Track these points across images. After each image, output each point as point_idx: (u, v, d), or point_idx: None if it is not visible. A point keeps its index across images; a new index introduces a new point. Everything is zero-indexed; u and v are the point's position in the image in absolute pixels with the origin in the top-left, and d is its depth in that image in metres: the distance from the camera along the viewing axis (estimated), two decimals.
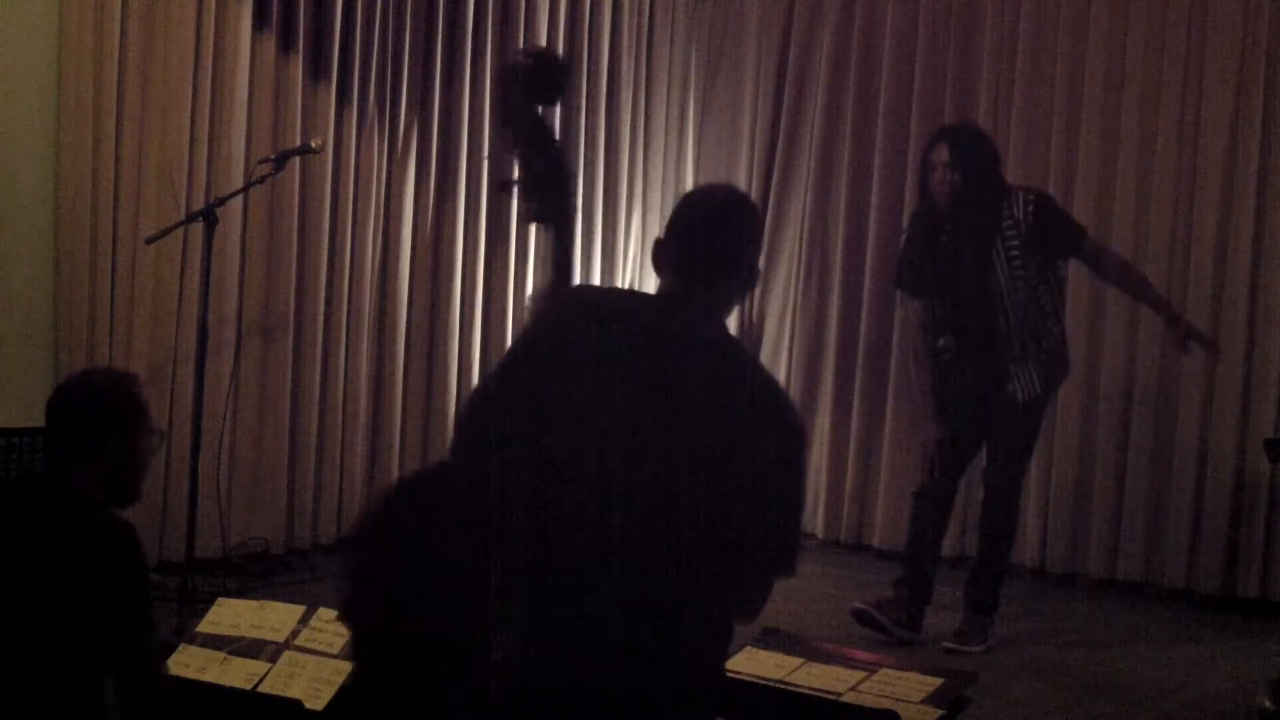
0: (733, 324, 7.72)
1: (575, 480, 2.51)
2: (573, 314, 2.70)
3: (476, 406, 2.76)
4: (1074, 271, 6.53)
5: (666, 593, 2.50)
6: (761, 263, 7.70)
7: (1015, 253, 5.51)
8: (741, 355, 2.75)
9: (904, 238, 5.93)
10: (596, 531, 2.49)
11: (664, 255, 2.77)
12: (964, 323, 5.62)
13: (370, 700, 2.69)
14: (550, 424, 2.53)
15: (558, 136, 3.14)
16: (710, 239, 2.74)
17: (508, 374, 2.68)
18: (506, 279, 7.05)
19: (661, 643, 2.51)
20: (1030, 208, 5.54)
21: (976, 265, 5.53)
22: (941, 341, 5.70)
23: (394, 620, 2.63)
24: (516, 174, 3.07)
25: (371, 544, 2.76)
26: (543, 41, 7.11)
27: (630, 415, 2.52)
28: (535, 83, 3.05)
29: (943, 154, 5.55)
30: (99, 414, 3.14)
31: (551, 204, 3.01)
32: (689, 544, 2.51)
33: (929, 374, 5.72)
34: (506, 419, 2.57)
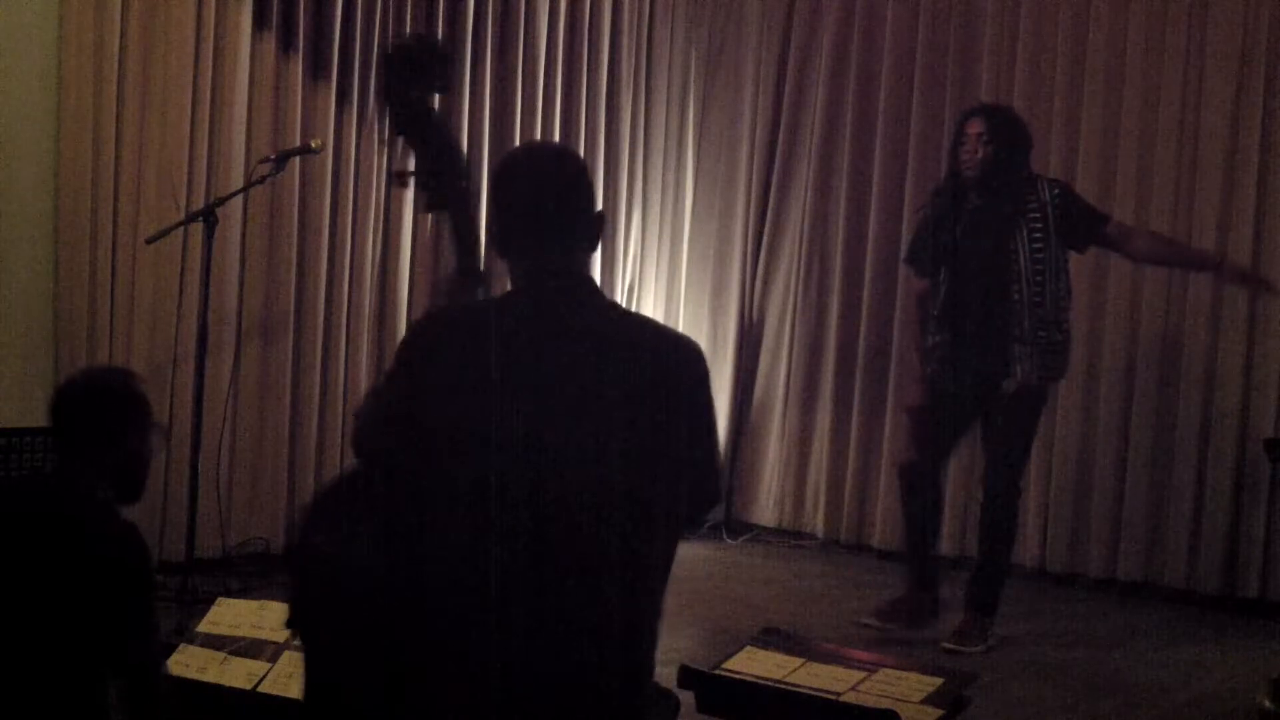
0: (732, 323, 7.73)
1: (492, 482, 2.44)
2: (444, 332, 2.58)
3: (375, 421, 2.64)
4: (1074, 271, 6.54)
5: (601, 575, 2.46)
6: (762, 262, 7.77)
7: (1038, 235, 5.52)
8: (618, 310, 2.66)
9: (922, 214, 5.94)
10: (523, 527, 2.43)
11: (503, 235, 2.60)
12: (973, 300, 5.62)
13: (324, 705, 2.66)
14: (452, 434, 2.45)
15: (444, 122, 3.08)
16: (549, 203, 2.57)
17: (405, 385, 2.56)
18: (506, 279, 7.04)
19: (598, 628, 2.46)
20: (1056, 193, 5.59)
21: (997, 239, 5.55)
22: (938, 338, 5.71)
23: (337, 627, 2.61)
24: (408, 165, 3.00)
25: (305, 551, 2.74)
26: (543, 42, 7.12)
27: (533, 408, 2.45)
28: (416, 69, 3.00)
29: (977, 126, 5.59)
30: (109, 412, 3.14)
31: (445, 191, 2.96)
32: (620, 522, 2.46)
33: (921, 339, 5.76)
34: (408, 433, 2.49)
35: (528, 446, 2.44)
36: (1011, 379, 5.56)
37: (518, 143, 7.02)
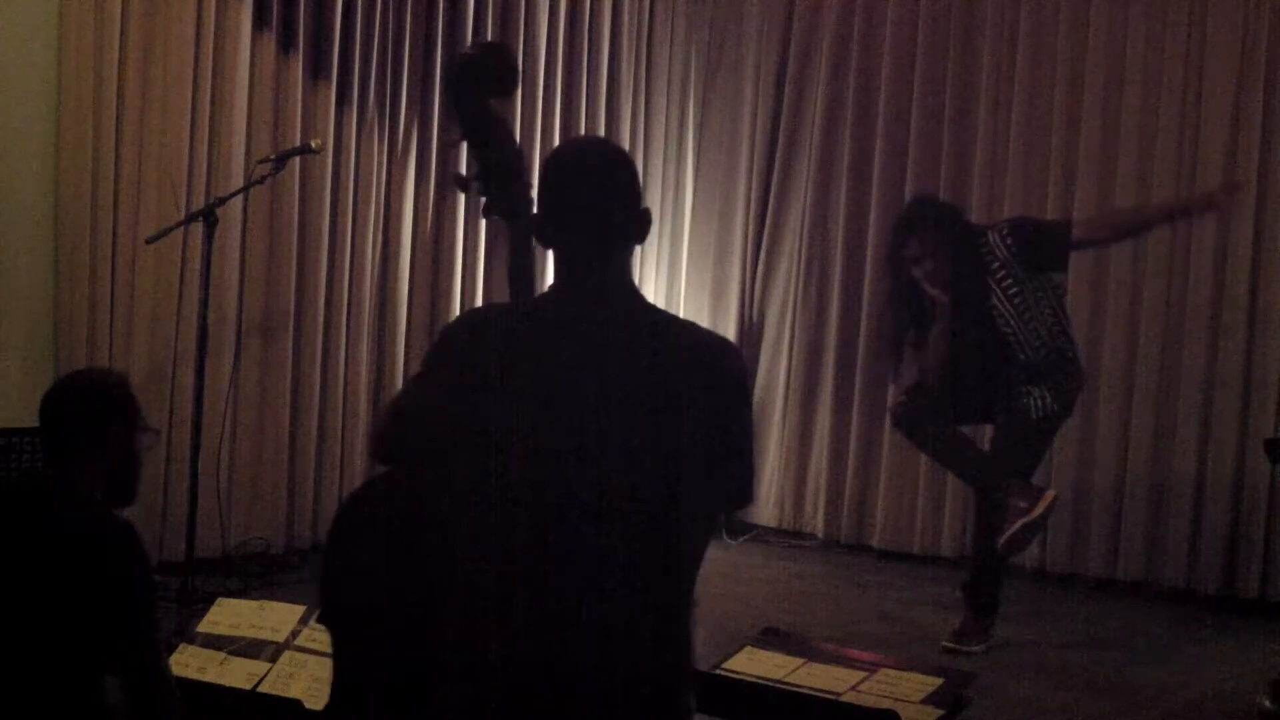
0: (732, 323, 7.73)
1: (521, 486, 2.45)
2: (474, 335, 2.57)
3: (401, 422, 2.65)
4: (1073, 271, 6.53)
5: (635, 574, 2.46)
6: (762, 262, 7.77)
7: (1011, 287, 5.49)
8: (654, 311, 2.63)
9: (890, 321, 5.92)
10: (552, 524, 2.44)
11: (548, 230, 2.57)
12: (981, 377, 5.59)
13: (352, 703, 2.68)
14: (482, 435, 2.45)
15: (515, 131, 3.12)
16: (596, 202, 2.55)
17: (433, 387, 2.57)
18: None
19: (633, 628, 2.47)
20: (1008, 238, 5.52)
21: (980, 315, 5.51)
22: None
23: (370, 622, 2.62)
24: (465, 168, 3.04)
25: (343, 547, 2.75)
26: (543, 42, 7.12)
27: (563, 408, 2.44)
28: (484, 76, 3.02)
29: (914, 246, 5.55)
30: (98, 413, 3.14)
31: (506, 197, 2.98)
32: (650, 519, 2.47)
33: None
34: (436, 434, 2.51)
35: (559, 446, 2.44)
36: (1029, 406, 5.54)
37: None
